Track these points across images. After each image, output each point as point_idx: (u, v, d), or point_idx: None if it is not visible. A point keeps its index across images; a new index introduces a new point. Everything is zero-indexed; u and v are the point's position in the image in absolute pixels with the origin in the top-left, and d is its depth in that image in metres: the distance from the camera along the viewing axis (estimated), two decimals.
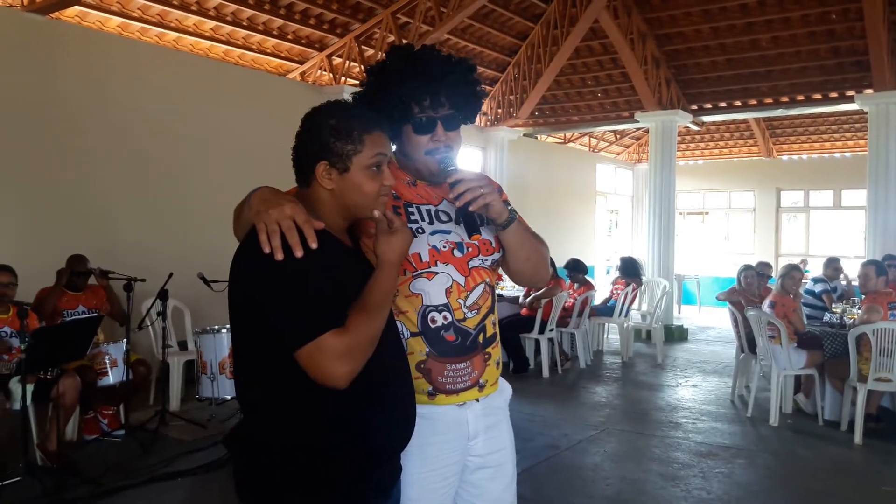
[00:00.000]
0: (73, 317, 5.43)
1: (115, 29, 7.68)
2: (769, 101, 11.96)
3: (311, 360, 1.48)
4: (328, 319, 1.49)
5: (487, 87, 12.04)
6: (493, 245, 1.95)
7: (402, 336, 1.81)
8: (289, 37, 9.10)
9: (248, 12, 8.40)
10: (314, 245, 1.52)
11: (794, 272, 6.36)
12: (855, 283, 7.41)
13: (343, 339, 1.49)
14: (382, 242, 1.66)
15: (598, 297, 9.63)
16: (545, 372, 7.87)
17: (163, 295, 5.67)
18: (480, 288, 1.93)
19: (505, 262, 1.99)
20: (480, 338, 1.92)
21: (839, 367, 5.75)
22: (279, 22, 8.77)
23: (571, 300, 8.39)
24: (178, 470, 4.64)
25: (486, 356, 1.94)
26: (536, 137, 14.33)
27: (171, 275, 5.69)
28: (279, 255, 1.49)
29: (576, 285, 8.75)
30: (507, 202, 1.94)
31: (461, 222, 1.85)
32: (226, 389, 5.64)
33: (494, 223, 1.89)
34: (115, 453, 5.01)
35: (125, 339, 5.39)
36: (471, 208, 1.77)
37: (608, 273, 15.32)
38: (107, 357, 5.29)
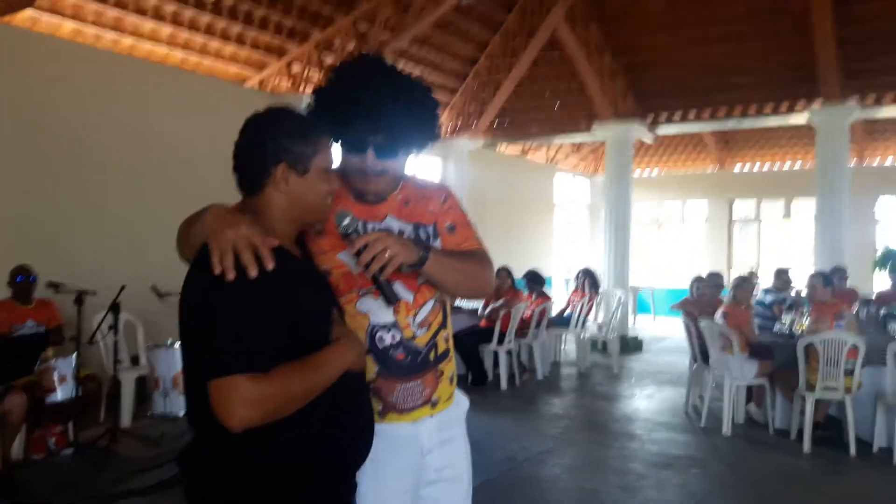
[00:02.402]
0: (21, 331, 5.27)
1: (68, 34, 7.50)
2: (722, 113, 12.24)
3: (217, 395, 1.44)
4: (251, 360, 1.45)
5: (446, 98, 12.07)
6: None
7: None
8: (247, 44, 9.00)
9: (207, 18, 8.29)
10: (270, 266, 1.50)
11: (745, 283, 6.51)
12: (804, 293, 7.60)
13: (259, 386, 1.44)
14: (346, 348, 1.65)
15: (555, 308, 9.70)
16: (503, 384, 7.89)
17: (114, 308, 5.54)
18: (430, 304, 1.92)
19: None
20: (432, 355, 1.92)
21: (789, 377, 5.89)
22: (238, 28, 8.67)
23: (529, 311, 8.44)
24: (129, 489, 4.53)
25: (439, 373, 1.94)
26: (496, 148, 14.41)
27: (123, 287, 5.56)
28: (231, 275, 1.46)
29: (534, 296, 8.80)
30: (420, 238, 1.90)
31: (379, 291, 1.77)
32: (179, 406, 5.54)
33: (409, 266, 1.80)
34: (64, 472, 4.87)
35: (75, 354, 5.24)
36: (382, 276, 1.70)
37: (566, 283, 15.45)
38: (56, 373, 5.14)
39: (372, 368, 1.84)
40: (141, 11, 7.73)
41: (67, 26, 7.43)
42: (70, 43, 7.43)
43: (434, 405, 1.92)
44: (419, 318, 1.89)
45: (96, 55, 7.55)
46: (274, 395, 1.46)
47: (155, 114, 7.73)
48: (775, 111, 11.75)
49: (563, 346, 10.12)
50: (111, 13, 7.58)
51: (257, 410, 1.44)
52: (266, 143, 1.61)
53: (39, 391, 4.97)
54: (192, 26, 8.32)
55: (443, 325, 1.97)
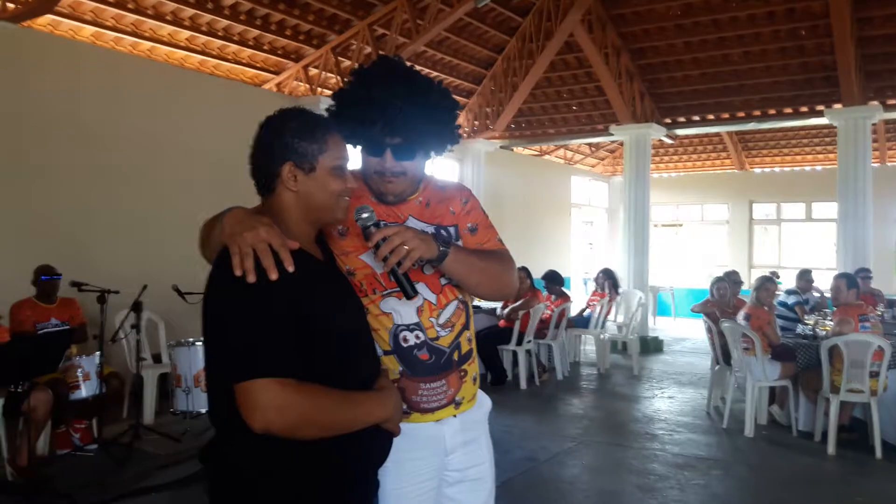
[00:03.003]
0: (45, 329, 5.33)
1: (88, 38, 7.60)
2: (741, 114, 12.18)
3: (243, 397, 1.44)
4: (276, 363, 1.45)
5: (463, 100, 12.09)
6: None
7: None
8: (265, 47, 9.07)
9: (224, 23, 8.36)
10: (291, 268, 1.51)
11: (768, 284, 6.45)
12: (828, 294, 7.54)
13: (287, 393, 1.44)
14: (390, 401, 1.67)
15: (575, 309, 9.67)
16: (523, 384, 7.88)
17: (137, 307, 5.60)
18: (453, 305, 1.91)
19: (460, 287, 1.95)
20: (455, 356, 1.91)
21: (812, 379, 5.83)
22: (255, 32, 8.75)
23: (549, 312, 8.42)
24: (152, 485, 4.57)
25: (462, 373, 1.93)
26: (513, 150, 14.41)
27: (145, 286, 5.62)
28: (251, 278, 1.46)
29: (553, 297, 8.78)
30: (441, 235, 1.90)
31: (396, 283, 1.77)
32: (201, 403, 5.56)
33: (429, 263, 1.79)
34: (87, 468, 4.92)
35: (98, 352, 5.29)
36: (401, 270, 1.69)
37: (585, 284, 15.41)
38: (79, 370, 5.20)
39: (396, 368, 1.84)
40: (160, 16, 7.81)
41: (87, 30, 7.54)
42: (90, 47, 7.54)
43: (458, 405, 1.92)
44: (442, 318, 1.88)
45: (116, 59, 7.65)
46: (299, 405, 1.45)
47: (174, 116, 7.80)
48: (795, 113, 11.66)
49: (582, 347, 10.09)
50: (130, 18, 7.67)
51: (281, 416, 1.44)
52: (273, 144, 1.62)
53: (64, 388, 5.02)
54: (210, 30, 8.39)
55: (466, 327, 1.96)
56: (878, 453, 5.37)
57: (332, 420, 1.53)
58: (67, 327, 5.35)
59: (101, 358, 5.29)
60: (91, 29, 7.52)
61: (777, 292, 8.37)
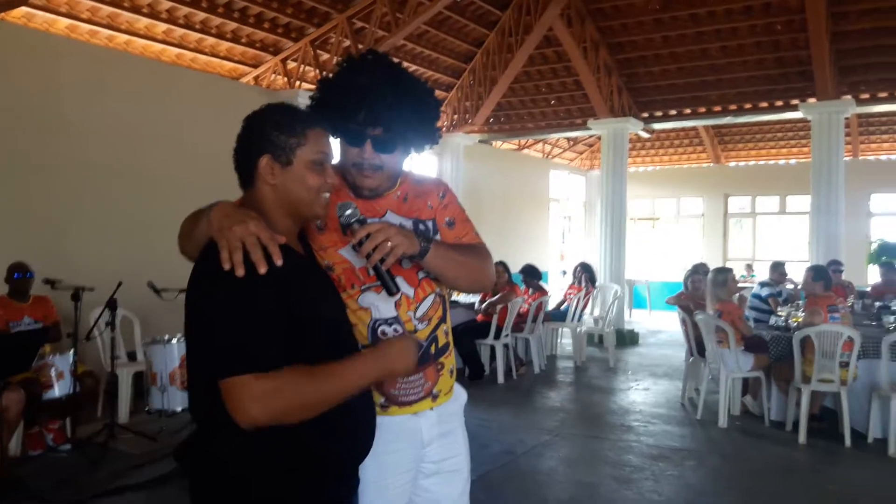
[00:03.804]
0: (18, 328, 5.26)
1: (63, 31, 7.50)
2: (717, 108, 12.29)
3: (227, 394, 1.45)
4: (258, 358, 1.46)
5: (443, 94, 12.09)
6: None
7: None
8: (243, 40, 9.00)
9: (202, 15, 8.29)
10: (279, 262, 1.51)
11: (718, 276, 6.42)
12: (801, 286, 7.64)
13: (262, 384, 1.45)
14: (398, 348, 1.67)
15: (552, 303, 9.73)
16: (500, 378, 7.92)
17: (111, 304, 5.54)
18: (430, 298, 1.94)
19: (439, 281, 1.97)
20: (432, 349, 1.94)
21: (784, 370, 5.92)
22: (233, 25, 8.68)
23: (526, 305, 8.46)
24: (127, 484, 4.53)
25: (439, 366, 1.96)
26: (492, 144, 14.44)
27: (119, 284, 5.55)
28: (240, 272, 1.46)
29: (530, 291, 8.82)
30: (420, 230, 1.91)
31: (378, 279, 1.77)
32: (176, 401, 5.54)
33: (410, 258, 1.81)
34: (61, 468, 4.88)
35: (72, 351, 5.23)
36: (384, 267, 1.70)
37: (563, 275, 15.50)
38: (53, 369, 5.13)
39: None
40: (136, 8, 7.72)
41: (62, 23, 7.43)
42: (65, 39, 7.43)
43: (435, 398, 1.95)
44: (420, 312, 1.90)
45: (91, 52, 7.55)
46: (279, 393, 1.46)
47: (150, 110, 7.72)
48: (770, 107, 11.79)
49: (559, 340, 10.15)
50: (106, 10, 7.57)
51: (264, 409, 1.45)
52: (253, 136, 1.63)
53: (37, 387, 4.95)
54: (188, 23, 8.31)
55: (443, 320, 1.99)
56: (848, 442, 5.48)
57: (317, 398, 1.52)
58: (41, 326, 5.28)
59: (75, 356, 5.22)
60: (66, 21, 7.41)
61: (749, 284, 8.47)
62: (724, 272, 6.51)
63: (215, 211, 1.60)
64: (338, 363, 1.59)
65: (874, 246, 12.67)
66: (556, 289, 13.18)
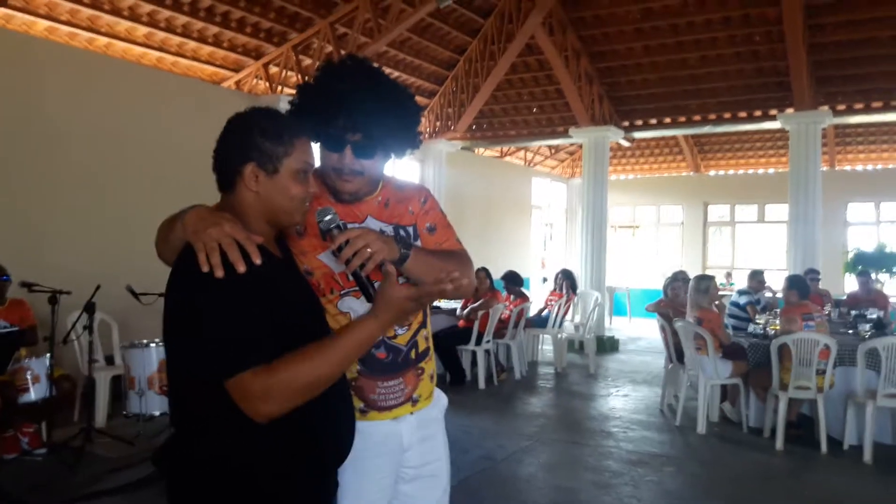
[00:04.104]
0: None
1: (42, 33, 7.42)
2: (697, 118, 12.40)
3: (235, 395, 1.46)
4: (251, 355, 1.46)
5: (425, 101, 12.11)
6: None
7: None
8: (224, 45, 8.96)
9: (184, 19, 8.24)
10: (258, 261, 1.51)
11: (701, 283, 6.47)
12: (780, 295, 7.73)
13: (260, 379, 1.45)
14: (394, 290, 1.61)
15: (533, 309, 9.76)
16: (481, 383, 7.92)
17: (89, 308, 5.48)
18: None
19: None
20: (412, 354, 1.94)
21: (762, 377, 5.98)
22: (215, 29, 8.63)
23: (508, 312, 8.48)
24: (104, 489, 4.48)
25: (419, 371, 1.96)
26: (474, 151, 14.48)
27: (98, 287, 5.50)
28: (219, 273, 1.46)
29: (512, 297, 8.85)
30: (401, 236, 1.92)
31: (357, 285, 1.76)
32: (154, 405, 5.48)
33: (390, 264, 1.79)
34: (36, 472, 4.81)
35: (49, 354, 5.17)
36: (364, 273, 1.69)
37: (544, 282, 15.54)
38: (28, 372, 5.06)
39: (353, 367, 1.86)
40: (116, 11, 7.66)
41: (41, 25, 7.36)
42: (44, 42, 7.35)
43: (415, 403, 1.95)
44: None
45: (70, 54, 7.48)
46: (278, 382, 1.46)
47: (130, 113, 7.66)
48: (749, 117, 11.92)
49: (540, 346, 10.18)
50: (86, 13, 7.50)
51: (272, 402, 1.45)
52: (238, 141, 1.60)
53: (12, 391, 4.89)
54: (169, 26, 8.26)
55: (423, 325, 1.99)
56: (824, 448, 5.54)
57: (315, 373, 1.51)
58: (16, 329, 5.20)
59: (52, 360, 5.16)
60: (45, 23, 7.34)
61: (728, 292, 8.54)
62: (706, 280, 6.55)
63: (190, 215, 1.59)
64: (341, 330, 1.61)
65: (850, 255, 12.83)
66: (538, 295, 13.22)
